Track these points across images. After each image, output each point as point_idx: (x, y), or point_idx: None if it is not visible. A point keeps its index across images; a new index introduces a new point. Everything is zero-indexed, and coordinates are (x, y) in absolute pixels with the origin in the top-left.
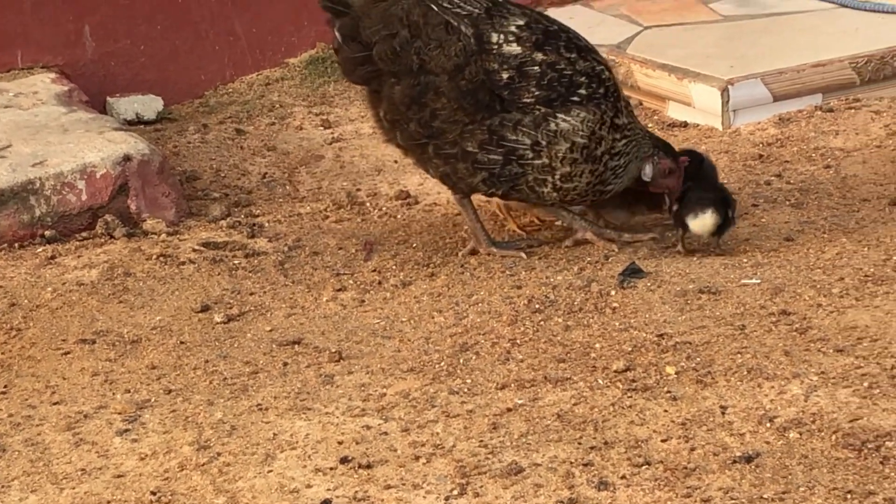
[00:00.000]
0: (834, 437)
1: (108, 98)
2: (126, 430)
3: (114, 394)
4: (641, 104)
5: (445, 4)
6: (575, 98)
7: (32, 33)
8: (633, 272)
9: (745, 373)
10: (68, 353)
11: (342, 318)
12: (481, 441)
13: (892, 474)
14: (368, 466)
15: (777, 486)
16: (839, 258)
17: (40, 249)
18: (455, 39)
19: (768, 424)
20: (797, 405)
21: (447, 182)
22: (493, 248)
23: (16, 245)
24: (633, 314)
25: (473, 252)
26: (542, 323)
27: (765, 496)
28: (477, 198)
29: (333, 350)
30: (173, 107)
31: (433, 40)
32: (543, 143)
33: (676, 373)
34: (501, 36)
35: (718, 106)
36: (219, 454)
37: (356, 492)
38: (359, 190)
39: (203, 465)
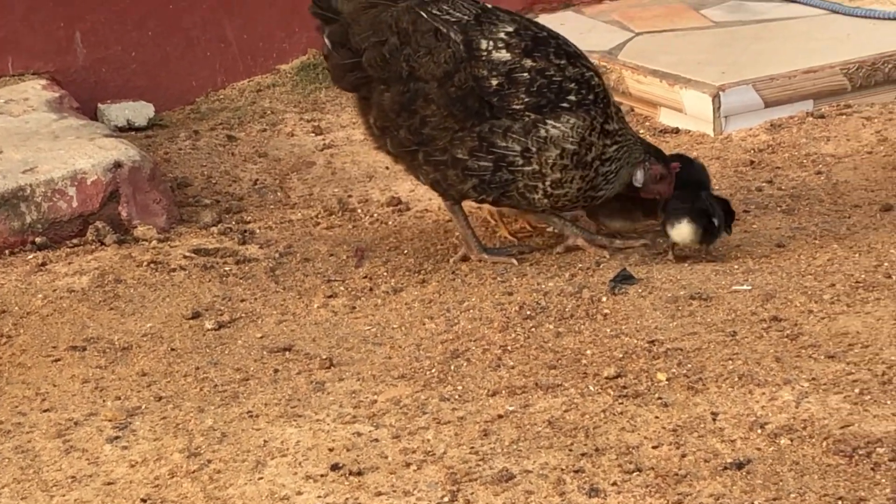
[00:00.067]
0: (825, 444)
1: (99, 104)
2: (116, 438)
3: (104, 401)
4: (633, 110)
5: (435, 11)
6: (564, 104)
7: (23, 40)
8: (624, 278)
9: (737, 379)
10: (59, 360)
11: (333, 324)
12: (472, 448)
13: (883, 480)
14: (359, 473)
15: (768, 492)
16: (830, 264)
17: (31, 256)
18: (444, 46)
19: (759, 431)
20: (788, 411)
21: (438, 189)
22: (485, 254)
23: (6, 252)
24: (624, 321)
25: (465, 258)
26: (533, 329)
27: (756, 503)
28: (468, 204)
29: (324, 357)
30: (164, 113)
31: (422, 47)
32: (533, 149)
33: (667, 379)
34: (491, 42)
35: (710, 112)
36: (209, 461)
37: (347, 499)
38: (350, 196)
39: (193, 472)
